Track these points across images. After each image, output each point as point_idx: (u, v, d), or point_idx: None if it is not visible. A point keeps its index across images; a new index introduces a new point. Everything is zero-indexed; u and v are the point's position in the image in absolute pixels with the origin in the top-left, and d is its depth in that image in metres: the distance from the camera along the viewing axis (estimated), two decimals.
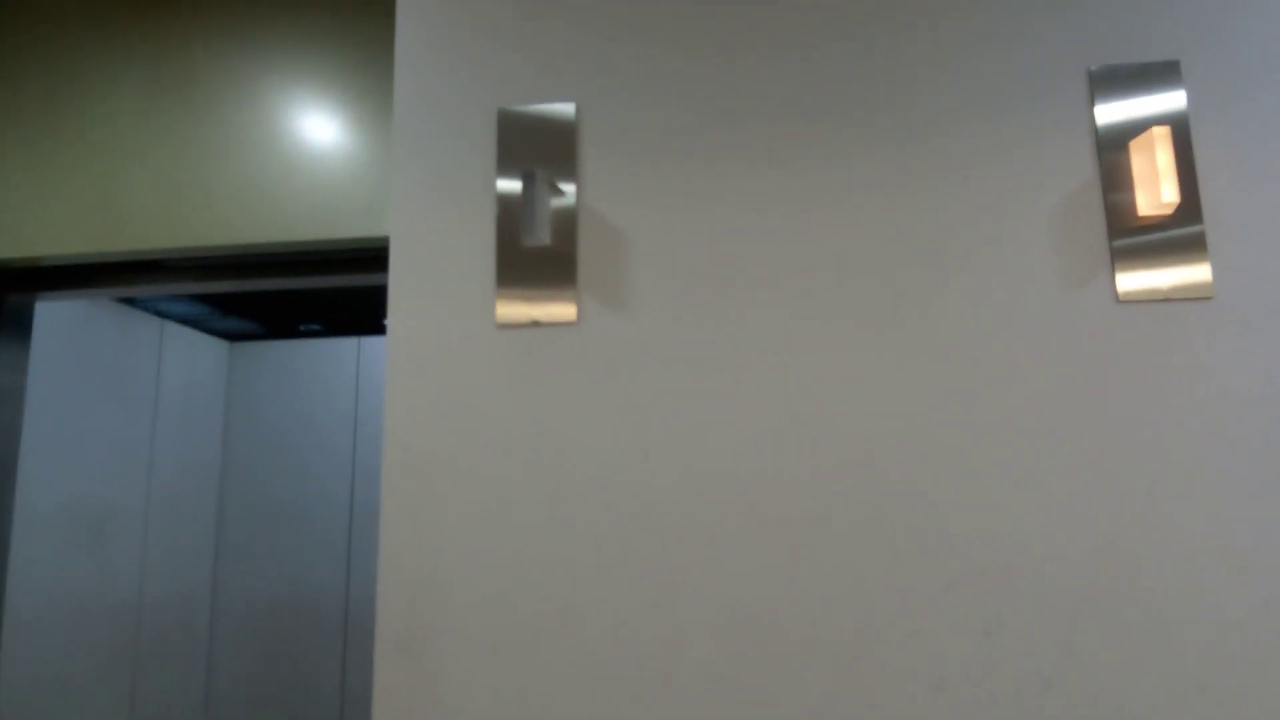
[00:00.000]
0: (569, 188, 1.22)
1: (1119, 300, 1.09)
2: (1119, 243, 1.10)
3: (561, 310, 1.19)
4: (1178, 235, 1.09)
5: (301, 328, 3.81)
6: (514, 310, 1.20)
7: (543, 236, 1.14)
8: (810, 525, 1.09)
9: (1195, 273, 1.08)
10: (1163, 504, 1.04)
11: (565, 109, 1.25)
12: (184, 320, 3.50)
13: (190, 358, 3.56)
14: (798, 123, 1.20)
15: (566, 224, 1.22)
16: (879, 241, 1.15)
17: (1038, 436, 1.07)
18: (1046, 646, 1.03)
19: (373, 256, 1.73)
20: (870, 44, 1.21)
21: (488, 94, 1.27)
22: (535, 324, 1.19)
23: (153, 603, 3.25)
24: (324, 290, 1.82)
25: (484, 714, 1.10)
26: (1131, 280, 1.09)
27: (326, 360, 3.82)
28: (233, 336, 3.85)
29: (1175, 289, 1.08)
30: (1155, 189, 1.04)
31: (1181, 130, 1.11)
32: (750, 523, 1.10)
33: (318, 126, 1.73)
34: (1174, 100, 1.13)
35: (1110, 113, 1.13)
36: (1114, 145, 1.12)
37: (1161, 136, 1.05)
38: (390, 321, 1.22)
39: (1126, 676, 1.01)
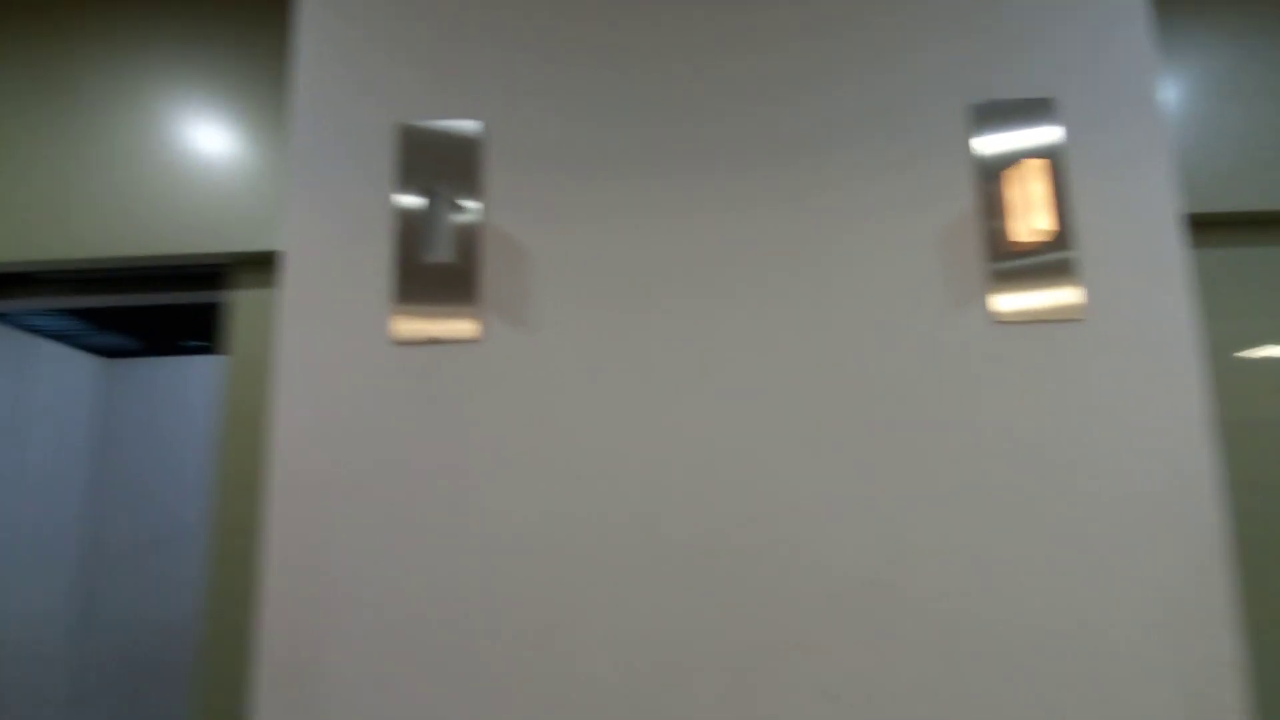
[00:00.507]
0: (472, 204, 1.21)
1: (996, 321, 1.15)
2: (996, 267, 1.16)
3: (462, 327, 1.17)
4: (1051, 260, 1.16)
5: (183, 344, 3.63)
6: (412, 327, 1.17)
7: (444, 253, 1.13)
8: (704, 542, 1.10)
9: (1067, 295, 1.15)
10: (1036, 515, 1.09)
11: (469, 125, 1.24)
12: (55, 336, 3.28)
13: (61, 376, 3.34)
14: (700, 139, 1.22)
15: (469, 240, 1.20)
16: (772, 257, 1.18)
17: (919, 452, 1.12)
18: (928, 654, 1.06)
19: (261, 271, 1.67)
20: (768, 65, 1.24)
21: (389, 108, 1.25)
22: (435, 341, 1.17)
23: (5, 634, 3.02)
24: (208, 305, 1.74)
25: None
26: (1008, 302, 1.15)
27: (211, 378, 3.65)
28: (109, 353, 3.63)
29: (1048, 311, 1.14)
30: (1030, 217, 1.11)
31: (1055, 162, 1.18)
32: (646, 540, 1.11)
33: (206, 135, 1.66)
34: (1049, 134, 1.20)
35: (989, 144, 1.20)
36: (992, 175, 1.19)
37: (1036, 167, 1.12)
38: (280, 337, 1.17)
39: (1002, 680, 1.05)
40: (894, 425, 1.13)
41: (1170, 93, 1.70)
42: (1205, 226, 1.70)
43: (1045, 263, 1.16)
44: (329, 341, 1.17)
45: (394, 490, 1.13)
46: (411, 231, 1.20)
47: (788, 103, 1.23)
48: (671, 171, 1.22)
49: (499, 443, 1.14)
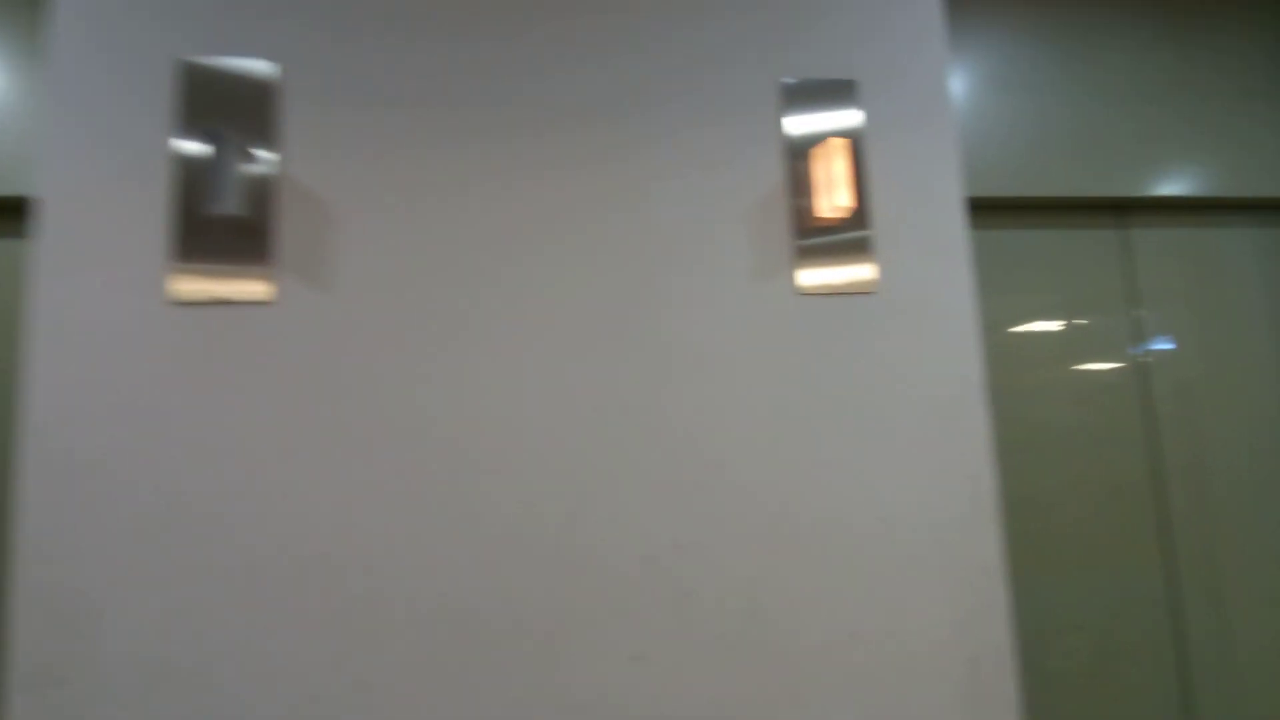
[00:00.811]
0: (267, 154, 1.12)
1: (799, 293, 1.20)
2: (801, 243, 1.21)
3: (254, 288, 1.09)
4: (850, 238, 1.22)
5: None
6: (195, 287, 1.07)
7: (230, 205, 1.03)
8: (515, 514, 1.09)
9: (862, 271, 1.21)
10: (829, 471, 1.16)
11: (263, 66, 1.13)
12: None
13: None
14: (510, 101, 1.18)
15: (262, 193, 1.11)
16: (583, 223, 1.17)
17: (726, 418, 1.15)
18: (732, 611, 1.11)
19: (11, 218, 1.47)
20: (576, 30, 1.22)
21: (169, 40, 1.12)
22: (221, 303, 1.08)
23: None
24: None
25: None
26: (810, 276, 1.20)
27: None
28: None
29: (846, 284, 1.21)
30: (832, 195, 1.16)
31: (855, 142, 1.24)
32: (454, 511, 1.08)
33: None
34: (852, 116, 1.25)
35: (798, 125, 1.24)
36: (799, 154, 1.23)
37: (839, 147, 1.17)
38: (35, 296, 1.04)
39: (797, 632, 1.12)
40: (702, 393, 1.15)
41: (961, 84, 1.82)
42: (986, 210, 1.85)
43: (845, 240, 1.22)
44: (95, 301, 1.05)
45: (170, 468, 1.03)
46: (194, 181, 1.09)
47: (610, 68, 1.21)
48: (480, 133, 1.17)
49: (294, 413, 1.07)
